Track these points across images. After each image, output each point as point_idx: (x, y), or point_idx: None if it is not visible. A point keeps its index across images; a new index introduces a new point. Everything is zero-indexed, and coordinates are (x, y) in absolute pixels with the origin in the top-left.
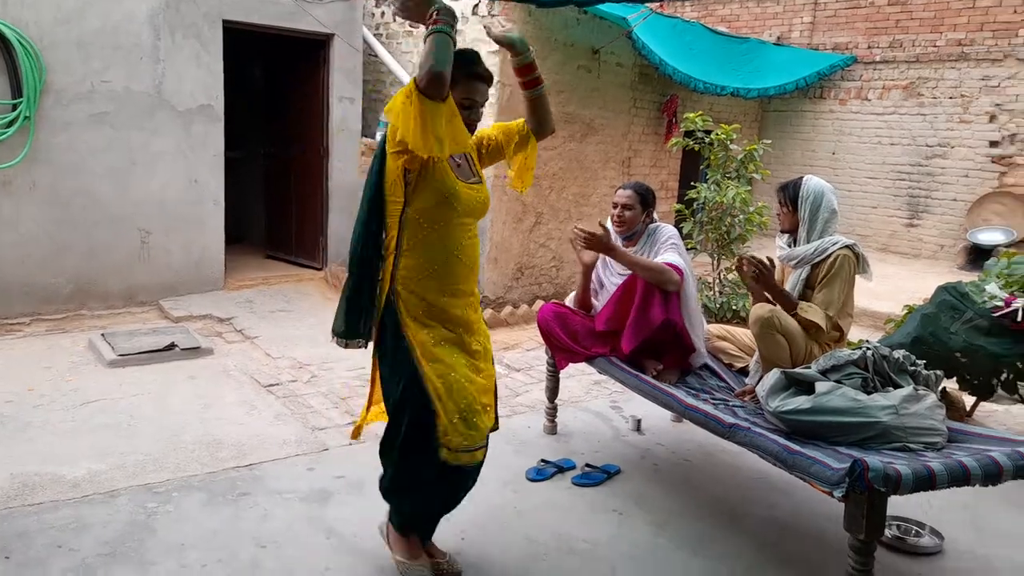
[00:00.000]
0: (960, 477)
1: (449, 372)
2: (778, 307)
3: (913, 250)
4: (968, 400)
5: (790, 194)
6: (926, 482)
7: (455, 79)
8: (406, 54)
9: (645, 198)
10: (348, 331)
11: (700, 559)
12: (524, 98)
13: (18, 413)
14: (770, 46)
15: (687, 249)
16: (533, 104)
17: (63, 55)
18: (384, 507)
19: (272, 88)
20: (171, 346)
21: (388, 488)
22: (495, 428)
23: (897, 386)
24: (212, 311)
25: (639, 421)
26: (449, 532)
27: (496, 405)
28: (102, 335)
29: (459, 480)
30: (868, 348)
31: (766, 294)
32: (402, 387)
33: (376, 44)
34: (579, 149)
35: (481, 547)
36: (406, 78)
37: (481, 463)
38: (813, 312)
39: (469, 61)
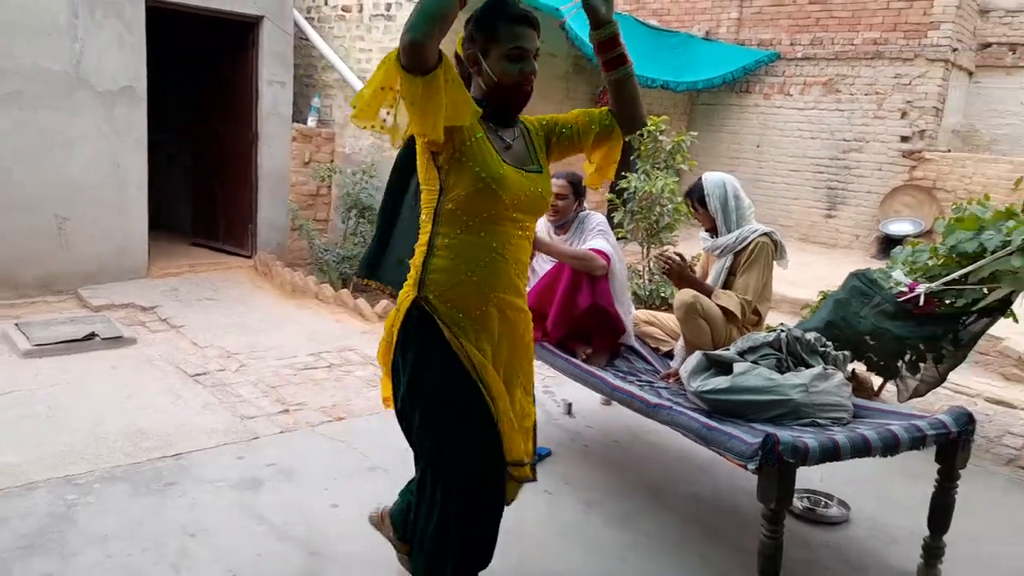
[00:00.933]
0: (862, 448)
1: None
2: (701, 294)
3: (831, 240)
4: (876, 381)
5: (696, 197)
6: (831, 454)
7: (494, 28)
8: (338, 38)
9: (577, 187)
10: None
11: (627, 534)
12: (606, 81)
13: None
14: (699, 40)
15: (618, 238)
16: (617, 88)
17: None
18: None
19: (199, 71)
20: (91, 336)
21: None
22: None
23: (808, 366)
24: (135, 300)
25: (570, 405)
26: None
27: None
28: (16, 324)
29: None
30: (782, 331)
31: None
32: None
33: (307, 27)
34: None
35: None
36: (339, 63)
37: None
38: (727, 299)
39: (503, 3)
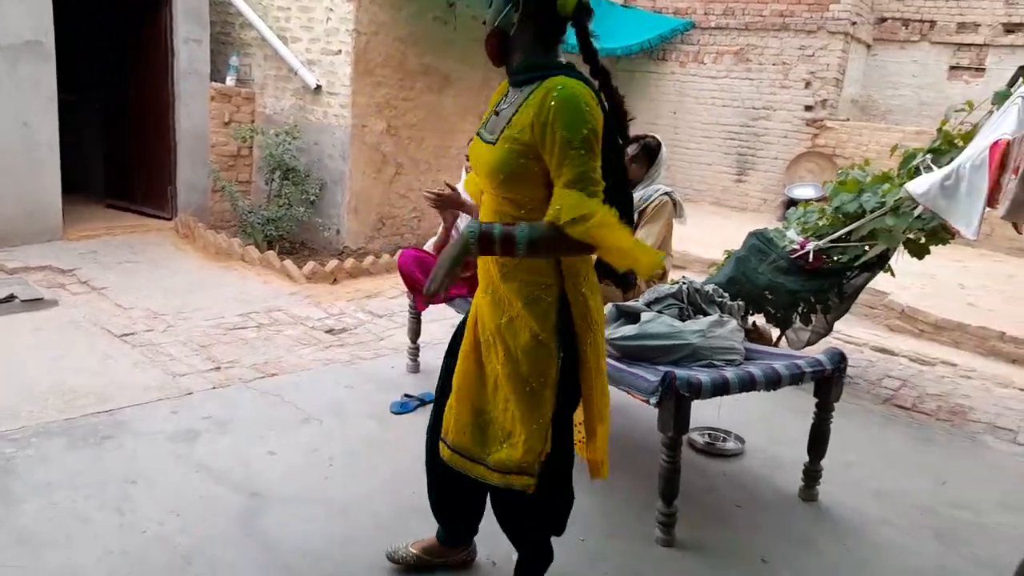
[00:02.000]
0: (748, 383)
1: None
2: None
3: (741, 204)
4: (775, 333)
5: (648, 152)
6: (722, 388)
7: None
8: None
9: None
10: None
11: None
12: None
13: None
14: (618, 7)
15: None
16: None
17: None
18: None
19: (112, 28)
20: (10, 297)
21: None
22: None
23: (707, 314)
24: (52, 262)
25: None
26: (317, 461)
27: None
28: None
29: None
30: (684, 284)
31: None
32: None
33: None
34: (437, 101)
35: (350, 471)
36: (257, 21)
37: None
38: None
39: None
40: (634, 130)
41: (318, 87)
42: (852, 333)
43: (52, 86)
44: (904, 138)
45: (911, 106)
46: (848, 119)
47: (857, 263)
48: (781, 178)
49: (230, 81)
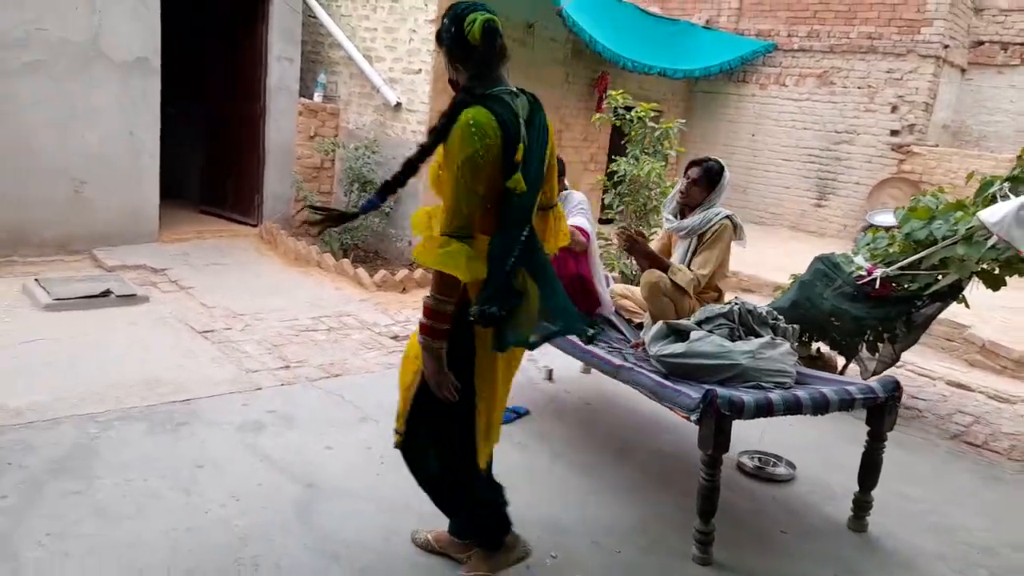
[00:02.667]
0: (794, 406)
1: None
2: (664, 275)
3: (820, 229)
4: (841, 361)
5: (712, 176)
6: (765, 409)
7: None
8: (345, 17)
9: (557, 168)
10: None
11: (589, 480)
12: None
13: None
14: (699, 29)
15: (609, 219)
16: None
17: None
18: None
19: (211, 45)
20: (107, 292)
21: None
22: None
23: (758, 336)
24: (146, 262)
25: (551, 371)
26: (371, 459)
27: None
28: (36, 280)
29: None
30: (736, 304)
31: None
32: None
33: (316, 5)
34: None
35: (400, 470)
36: (345, 41)
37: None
38: (681, 276)
39: None
40: (713, 152)
41: (398, 104)
42: (927, 366)
43: (156, 99)
44: (996, 166)
45: (1007, 133)
46: (937, 145)
47: (927, 292)
48: (863, 204)
49: (317, 97)
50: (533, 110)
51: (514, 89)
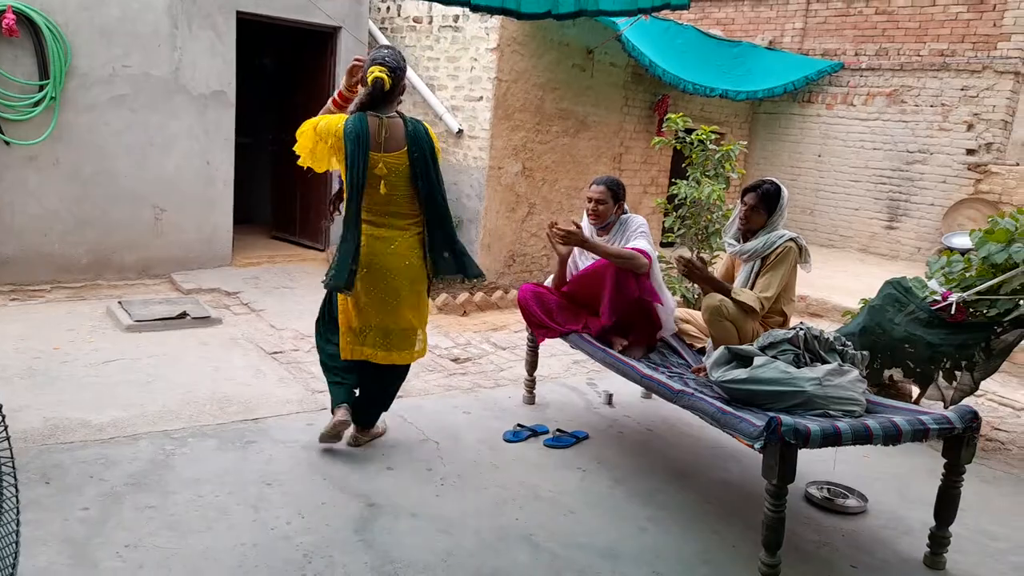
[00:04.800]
0: (863, 436)
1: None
2: (727, 298)
3: (892, 252)
4: (915, 391)
5: (771, 200)
6: (832, 438)
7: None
8: (409, 48)
9: (616, 192)
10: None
11: (649, 508)
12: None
13: (47, 368)
14: (762, 50)
15: (669, 243)
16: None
17: (87, 40)
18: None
19: (282, 77)
20: (183, 315)
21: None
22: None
23: (825, 362)
24: (220, 285)
25: (611, 396)
26: (430, 479)
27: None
28: (119, 303)
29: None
30: (801, 329)
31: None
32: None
33: (381, 37)
34: (572, 144)
35: (459, 491)
36: (409, 71)
37: (382, 367)
38: (745, 295)
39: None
40: (778, 174)
41: (460, 131)
42: (1010, 395)
43: (231, 129)
44: None
45: None
46: (1018, 164)
47: (1007, 318)
48: (938, 226)
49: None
50: (399, 127)
51: (383, 116)
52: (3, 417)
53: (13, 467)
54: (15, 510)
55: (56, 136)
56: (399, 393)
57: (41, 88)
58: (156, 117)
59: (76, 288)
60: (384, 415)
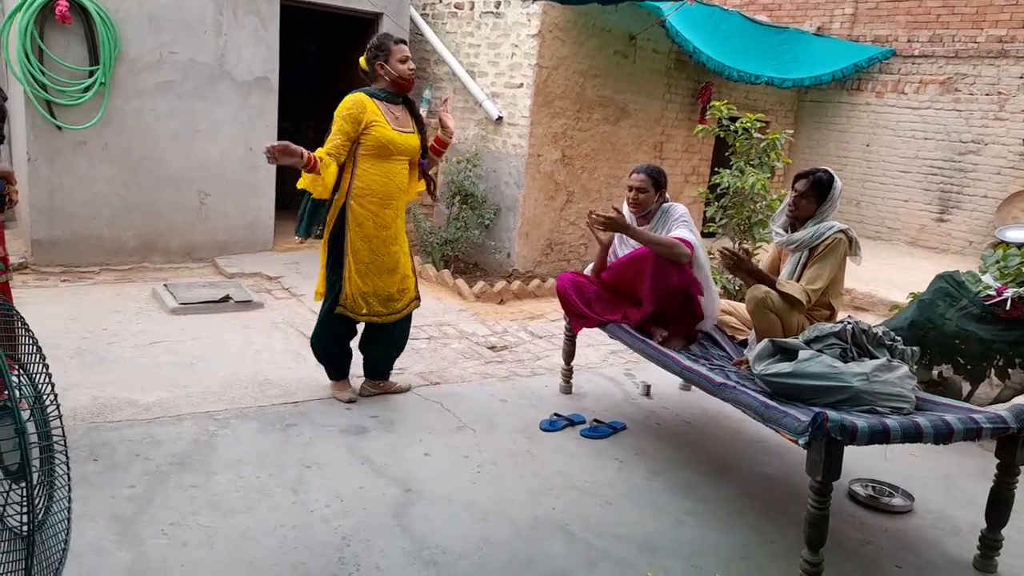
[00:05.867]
0: (913, 434)
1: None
2: (772, 289)
3: (942, 245)
4: (966, 387)
5: (822, 188)
6: (881, 436)
7: (388, 48)
8: (450, 34)
9: (657, 180)
10: (308, 233)
11: (688, 501)
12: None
13: (95, 348)
14: (809, 36)
15: (711, 233)
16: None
17: (135, 26)
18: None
19: (323, 63)
20: (226, 298)
21: (313, 344)
22: (410, 306)
23: (873, 357)
24: (262, 270)
25: (649, 387)
26: (467, 466)
27: (413, 287)
28: (164, 285)
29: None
30: (849, 323)
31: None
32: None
33: (422, 23)
34: (612, 132)
35: (495, 479)
36: (450, 57)
37: (383, 325)
38: (791, 287)
39: (387, 34)
40: (824, 163)
41: (499, 118)
42: None
43: (274, 115)
44: None
45: None
46: None
47: None
48: (991, 218)
49: (423, 112)
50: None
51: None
52: (56, 396)
53: (65, 445)
54: (67, 487)
55: (105, 121)
56: (437, 380)
57: (91, 74)
58: (201, 103)
59: (124, 271)
60: (422, 403)
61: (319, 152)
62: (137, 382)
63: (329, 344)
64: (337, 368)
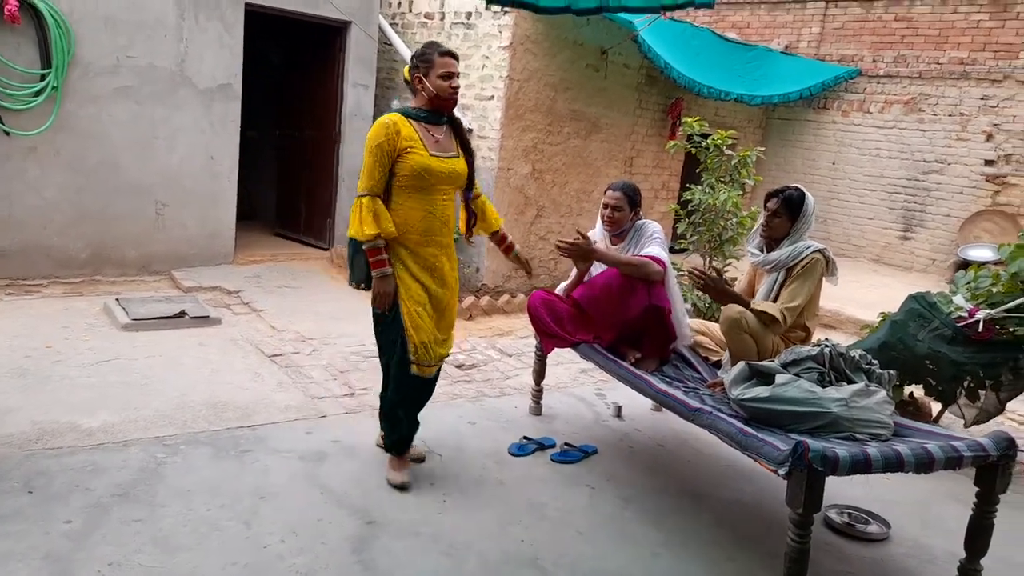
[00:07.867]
0: (894, 463)
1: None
2: (747, 310)
3: (906, 263)
4: (936, 407)
5: (793, 205)
6: (862, 465)
7: (431, 59)
8: (420, 44)
9: (633, 199)
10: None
11: (660, 532)
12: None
13: (38, 367)
14: (777, 54)
15: (681, 250)
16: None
17: (91, 29)
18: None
19: (289, 71)
20: (181, 314)
21: (390, 412)
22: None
23: (851, 382)
24: (221, 283)
25: (620, 408)
26: (433, 495)
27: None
28: (116, 300)
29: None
30: (826, 346)
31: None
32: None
33: (391, 33)
34: (583, 146)
35: (463, 508)
36: None
37: (435, 378)
38: (768, 307)
39: (434, 43)
40: (791, 181)
41: (469, 130)
42: None
43: (237, 124)
44: None
45: None
46: None
47: None
48: (954, 237)
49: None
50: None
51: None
52: None
53: None
54: None
55: (57, 127)
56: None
57: (43, 77)
58: (161, 109)
59: (74, 284)
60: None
61: (362, 194)
62: (82, 404)
63: (411, 409)
64: (409, 440)
